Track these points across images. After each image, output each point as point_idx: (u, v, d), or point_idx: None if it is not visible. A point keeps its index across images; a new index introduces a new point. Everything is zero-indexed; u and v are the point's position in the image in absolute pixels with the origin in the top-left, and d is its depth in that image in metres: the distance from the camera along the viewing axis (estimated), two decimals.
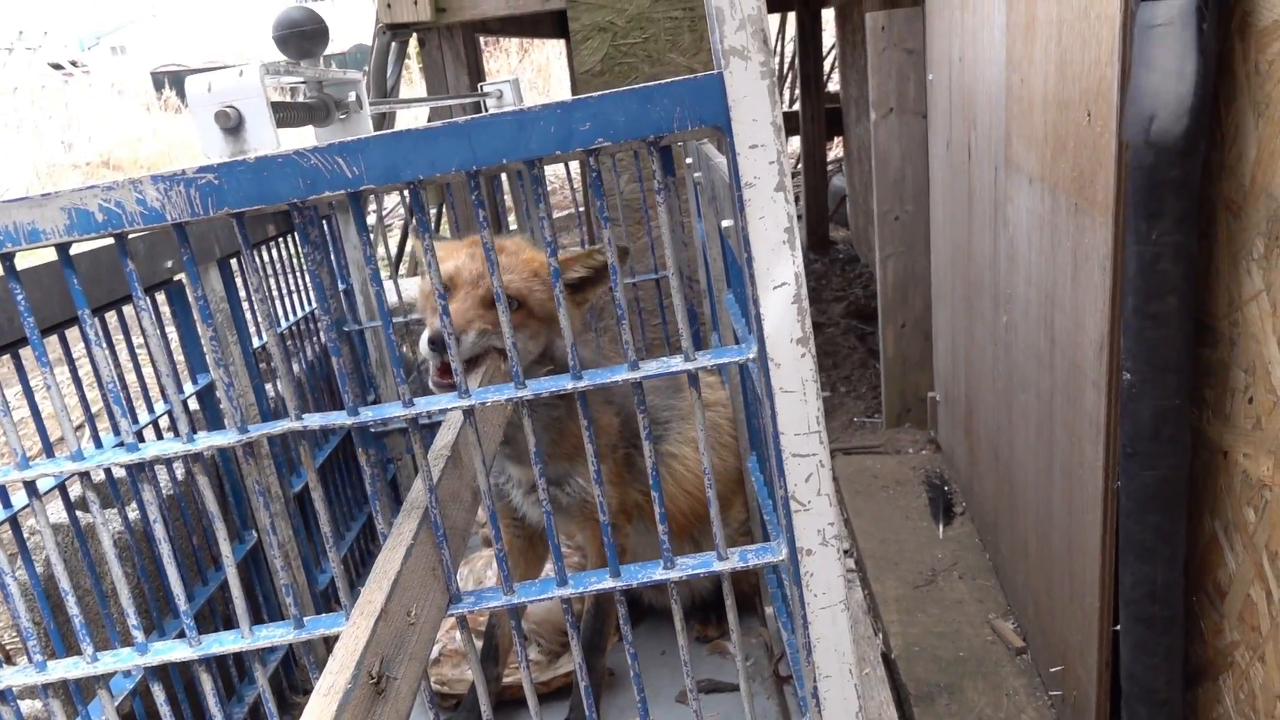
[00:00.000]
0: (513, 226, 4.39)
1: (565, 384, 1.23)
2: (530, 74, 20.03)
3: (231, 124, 1.19)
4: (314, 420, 1.24)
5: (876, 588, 2.91)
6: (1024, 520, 2.50)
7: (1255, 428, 1.55)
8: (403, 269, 5.31)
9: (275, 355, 1.24)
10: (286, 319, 2.97)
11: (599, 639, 2.22)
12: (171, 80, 26.07)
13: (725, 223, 1.42)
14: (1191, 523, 1.74)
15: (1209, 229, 1.62)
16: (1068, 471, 2.08)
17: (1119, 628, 1.82)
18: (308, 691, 2.57)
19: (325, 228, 3.03)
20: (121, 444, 1.27)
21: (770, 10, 7.54)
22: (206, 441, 1.25)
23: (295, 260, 2.98)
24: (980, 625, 2.66)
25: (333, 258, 3.06)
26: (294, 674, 2.56)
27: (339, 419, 1.24)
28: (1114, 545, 1.87)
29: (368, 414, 1.24)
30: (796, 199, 8.66)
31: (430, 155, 1.12)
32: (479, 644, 2.40)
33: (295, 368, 2.93)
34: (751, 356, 1.20)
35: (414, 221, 4.70)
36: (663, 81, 1.11)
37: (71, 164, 17.71)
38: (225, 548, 1.30)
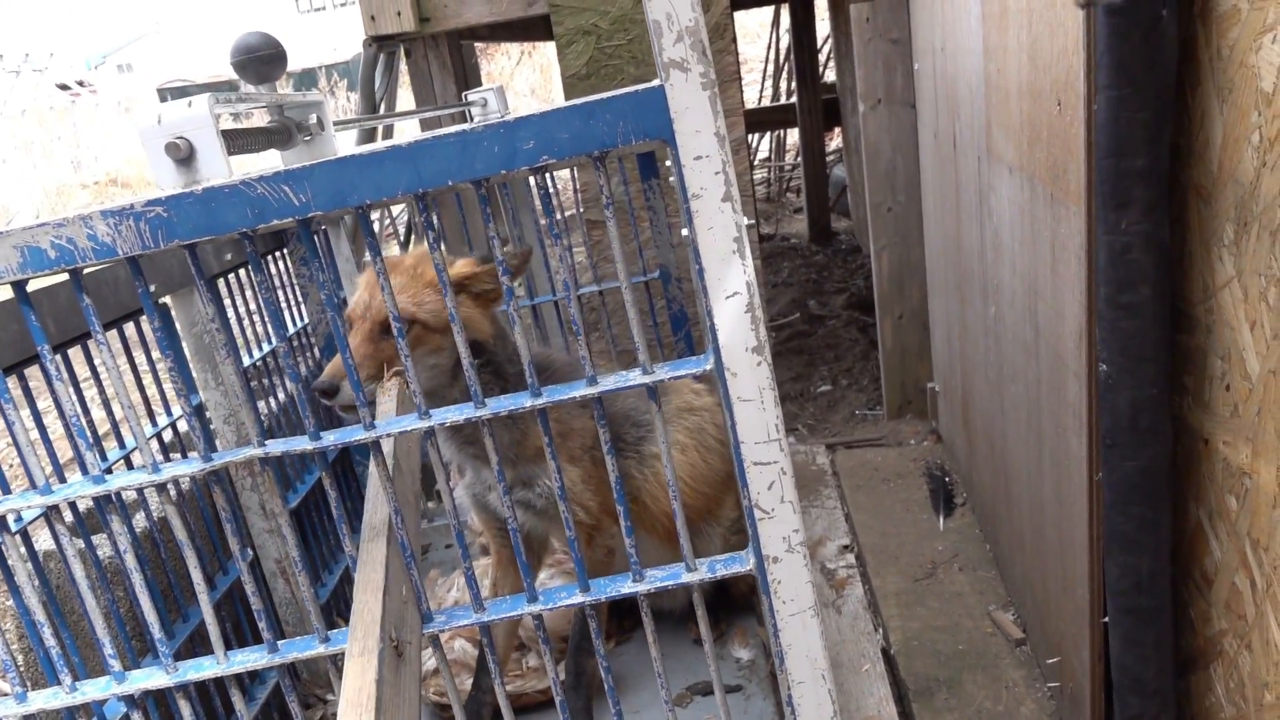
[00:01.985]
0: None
1: (524, 402, 1.23)
2: (533, 75, 20.01)
3: (183, 155, 1.19)
4: (276, 446, 1.25)
5: (877, 582, 2.90)
6: (1019, 512, 2.49)
7: (1233, 415, 1.53)
8: None
9: (236, 387, 1.24)
10: (271, 341, 2.98)
11: (588, 641, 2.22)
12: (175, 96, 26.24)
13: (685, 231, 1.41)
14: (1177, 512, 1.73)
15: (1181, 215, 1.60)
16: (1055, 463, 2.06)
17: (1107, 619, 1.81)
18: (310, 705, 2.59)
19: (315, 242, 3.04)
20: (89, 476, 1.28)
21: (763, 3, 7.51)
22: (171, 471, 1.26)
23: (286, 276, 3.00)
24: (980, 617, 2.65)
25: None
26: (299, 686, 2.58)
27: (301, 444, 1.24)
28: (1101, 537, 1.86)
29: (330, 438, 1.25)
30: (797, 191, 8.62)
31: (376, 179, 1.12)
32: (474, 653, 2.40)
33: (289, 384, 2.94)
34: (709, 367, 1.20)
35: (413, 231, 4.68)
36: (604, 95, 1.10)
37: (80, 183, 17.83)
38: (196, 575, 1.31)
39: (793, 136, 9.40)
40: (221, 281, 2.63)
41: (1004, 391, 2.52)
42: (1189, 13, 1.51)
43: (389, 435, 1.24)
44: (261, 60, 1.47)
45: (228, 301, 2.62)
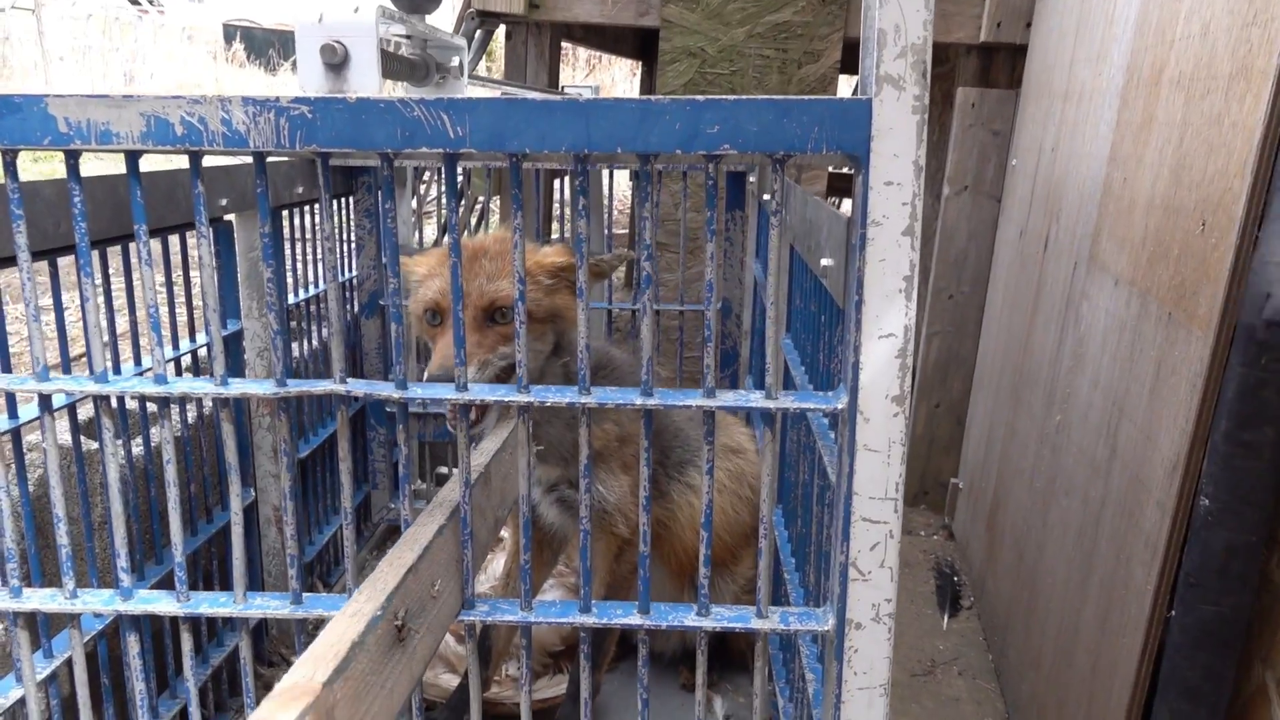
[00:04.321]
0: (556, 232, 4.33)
1: (634, 399, 1.14)
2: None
3: (336, 59, 1.11)
4: (358, 386, 1.15)
5: None
6: (1042, 630, 2.39)
7: None
8: None
9: (332, 308, 1.15)
10: (315, 286, 2.90)
11: (597, 654, 2.11)
12: (242, 34, 26.29)
13: (825, 261, 1.33)
14: (1240, 668, 1.64)
15: None
16: (1108, 590, 1.97)
17: None
18: (273, 664, 2.47)
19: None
20: (149, 373, 1.19)
21: (851, 71, 7.50)
22: (240, 388, 1.16)
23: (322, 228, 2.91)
24: None
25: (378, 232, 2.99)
26: (263, 643, 2.46)
27: (385, 390, 1.15)
28: (1150, 676, 1.76)
29: (417, 390, 1.16)
30: None
31: (542, 128, 1.04)
32: (455, 649, 2.29)
33: (323, 333, 2.85)
34: (840, 406, 1.11)
35: (463, 206, 4.62)
36: (805, 97, 1.03)
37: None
38: (236, 504, 1.21)
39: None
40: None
41: (1052, 504, 2.44)
42: None
43: (540, 402, 1.14)
44: None
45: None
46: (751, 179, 2.75)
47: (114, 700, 1.76)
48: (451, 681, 2.28)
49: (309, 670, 0.94)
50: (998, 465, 3.08)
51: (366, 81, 1.16)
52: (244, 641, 1.28)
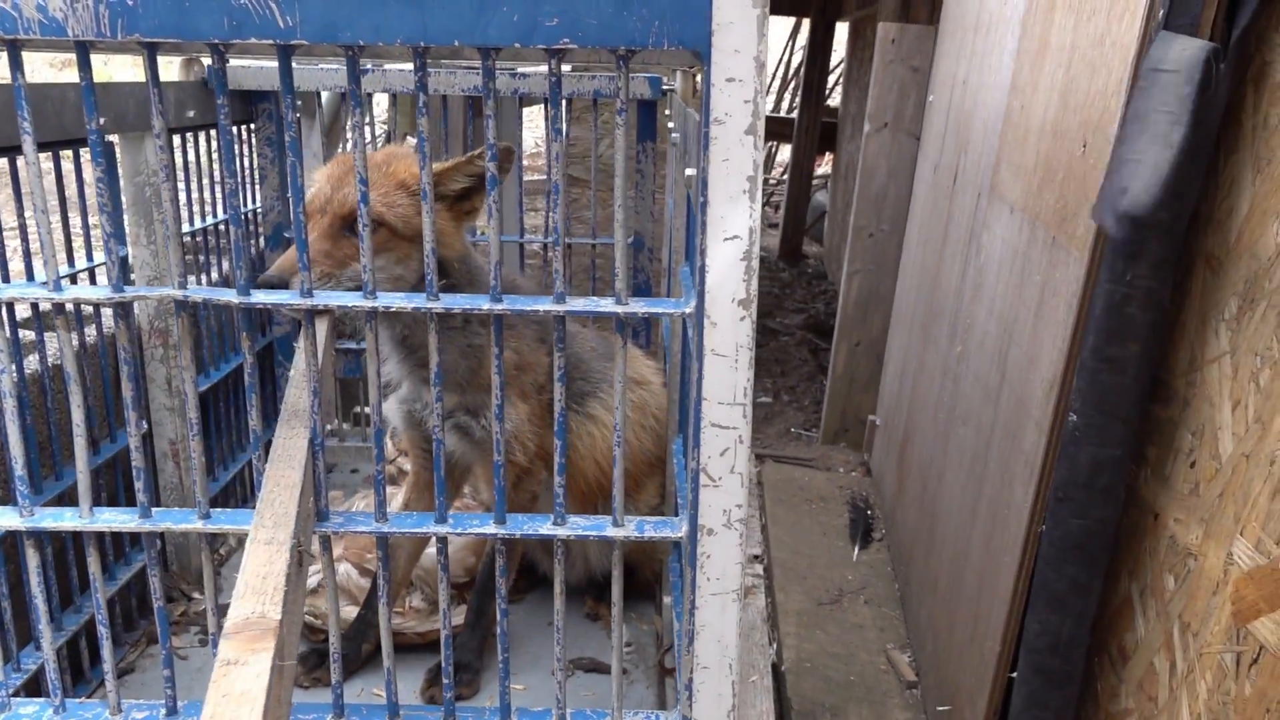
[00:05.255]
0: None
1: (482, 305, 1.12)
2: None
3: None
4: (197, 292, 1.12)
5: (780, 598, 2.83)
6: (939, 555, 2.44)
7: (1192, 493, 1.49)
8: None
9: (167, 209, 1.11)
10: (214, 216, 2.82)
11: (494, 583, 2.10)
12: None
13: (689, 171, 1.31)
14: (1107, 581, 1.68)
15: (1183, 282, 1.55)
16: (993, 510, 2.01)
17: (1015, 675, 1.76)
18: (172, 599, 2.43)
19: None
20: None
21: (785, 12, 7.45)
22: (74, 294, 1.12)
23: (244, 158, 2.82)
24: (876, 653, 2.60)
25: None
26: (167, 577, 2.42)
27: (227, 295, 1.11)
28: (1026, 592, 1.81)
29: (260, 296, 1.13)
30: (776, 207, 8.59)
31: (376, 19, 1.00)
32: (359, 582, 2.28)
33: (224, 266, 2.78)
34: (688, 311, 1.10)
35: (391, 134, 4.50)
36: None
37: (46, 62, 17.04)
38: (78, 415, 1.17)
39: (783, 153, 9.37)
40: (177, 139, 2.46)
41: (951, 433, 2.47)
42: (1241, 74, 1.46)
43: (326, 309, 1.12)
44: None
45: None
46: (667, 111, 2.71)
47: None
48: (352, 613, 2.26)
49: (255, 605, 0.98)
50: (909, 400, 3.12)
51: None
52: (92, 557, 1.24)
